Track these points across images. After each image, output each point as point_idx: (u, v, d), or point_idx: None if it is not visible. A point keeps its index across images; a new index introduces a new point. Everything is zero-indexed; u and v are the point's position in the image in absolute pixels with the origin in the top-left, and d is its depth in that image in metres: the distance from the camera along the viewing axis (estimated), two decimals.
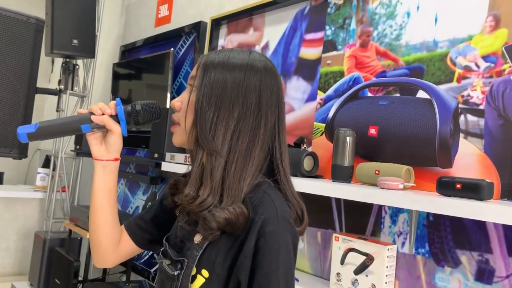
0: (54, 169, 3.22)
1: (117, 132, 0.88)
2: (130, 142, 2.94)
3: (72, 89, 3.16)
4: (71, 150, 3.13)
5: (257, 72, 0.81)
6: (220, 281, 0.75)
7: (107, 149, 0.90)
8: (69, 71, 3.14)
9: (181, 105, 0.85)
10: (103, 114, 0.87)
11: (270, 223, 0.73)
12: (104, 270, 2.96)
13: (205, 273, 0.77)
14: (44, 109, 4.40)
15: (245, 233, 0.74)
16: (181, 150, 2.15)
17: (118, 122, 0.88)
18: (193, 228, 0.81)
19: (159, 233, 0.98)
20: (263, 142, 0.80)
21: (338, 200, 1.63)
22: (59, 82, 3.19)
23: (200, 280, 0.77)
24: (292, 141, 1.75)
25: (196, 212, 0.77)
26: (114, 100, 0.90)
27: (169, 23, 2.87)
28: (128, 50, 3.34)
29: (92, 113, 0.88)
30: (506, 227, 1.19)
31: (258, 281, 0.71)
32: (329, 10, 1.79)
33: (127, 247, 0.99)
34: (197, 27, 2.49)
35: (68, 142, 3.18)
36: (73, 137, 3.15)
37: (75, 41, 2.95)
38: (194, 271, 0.78)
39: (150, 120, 0.90)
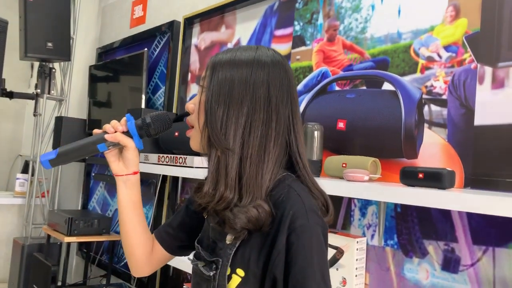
0: (33, 174, 3.18)
1: (131, 147, 0.91)
2: None
3: (49, 93, 3.13)
4: None
5: (264, 66, 0.80)
6: (257, 279, 0.75)
7: (125, 164, 0.92)
8: (45, 74, 3.10)
9: (194, 107, 0.85)
10: (116, 131, 0.90)
11: (300, 217, 0.73)
12: (85, 274, 2.94)
13: (240, 272, 0.77)
14: (25, 115, 4.35)
15: (276, 229, 0.74)
16: (156, 150, 2.13)
17: (131, 137, 0.90)
18: (223, 229, 0.80)
19: (188, 238, 1.00)
20: (277, 135, 0.80)
21: None
22: (36, 86, 3.16)
23: (236, 280, 0.77)
24: None
25: (219, 211, 0.77)
26: (125, 115, 0.92)
27: (144, 24, 2.86)
28: (104, 52, 3.31)
29: (106, 132, 0.90)
30: (470, 216, 1.20)
31: (294, 276, 0.71)
32: (297, 5, 1.78)
33: (160, 255, 1.01)
34: (171, 26, 2.48)
35: (46, 146, 3.14)
36: (51, 140, 3.12)
37: (49, 44, 2.92)
38: (229, 271, 0.78)
39: (162, 130, 0.92)
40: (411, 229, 1.32)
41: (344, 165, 1.39)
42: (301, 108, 1.69)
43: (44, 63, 3.07)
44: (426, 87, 1.34)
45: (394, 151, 1.38)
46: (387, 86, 1.43)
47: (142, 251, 0.98)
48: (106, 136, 0.90)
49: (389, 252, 1.37)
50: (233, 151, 0.77)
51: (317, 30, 1.69)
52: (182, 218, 1.02)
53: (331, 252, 1.41)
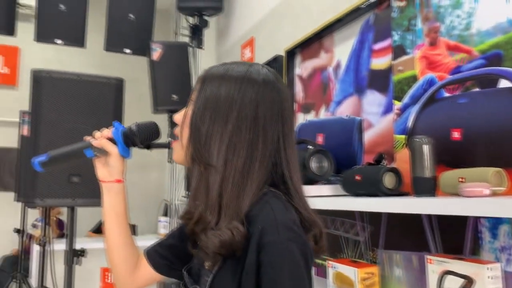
0: (172, 217, 3.46)
1: (114, 154, 0.90)
2: None
3: None
4: (183, 196, 3.34)
5: (254, 84, 0.77)
6: None
7: (109, 171, 0.92)
8: (174, 124, 3.40)
9: (180, 118, 0.84)
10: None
11: (269, 232, 0.67)
12: None
13: None
14: (166, 162, 4.80)
15: (245, 248, 0.69)
16: None
17: (117, 144, 0.90)
18: (199, 253, 0.78)
19: (177, 260, 0.96)
20: (263, 158, 0.75)
21: (429, 217, 1.45)
22: (168, 135, 3.48)
23: None
24: (372, 159, 1.63)
25: (196, 233, 0.74)
26: (113, 123, 0.92)
27: None
28: None
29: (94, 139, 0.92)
30: None
31: None
32: (393, 14, 1.67)
33: (146, 273, 0.97)
34: (275, 61, 2.52)
35: (180, 189, 3.40)
36: (183, 183, 3.37)
37: (174, 96, 3.22)
38: None
39: (147, 140, 0.90)
40: None
41: (461, 179, 1.21)
42: (410, 121, 1.55)
43: (172, 114, 3.37)
44: None
45: None
46: (504, 83, 1.23)
47: (123, 264, 0.93)
48: (92, 141, 0.90)
49: None
50: (215, 168, 0.73)
51: (417, 36, 1.55)
52: (174, 241, 0.97)
53: (458, 283, 1.22)
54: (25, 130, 2.55)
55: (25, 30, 3.37)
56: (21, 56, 4.75)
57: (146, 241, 3.38)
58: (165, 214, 3.57)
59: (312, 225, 0.75)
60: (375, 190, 1.47)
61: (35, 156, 0.95)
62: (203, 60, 3.72)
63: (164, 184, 4.86)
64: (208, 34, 3.69)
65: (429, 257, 1.33)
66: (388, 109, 1.68)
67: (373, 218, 1.69)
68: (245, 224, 0.70)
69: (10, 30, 3.06)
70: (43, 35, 3.07)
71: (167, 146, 3.51)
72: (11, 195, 3.56)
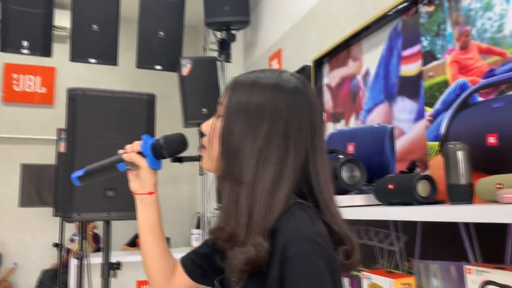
0: (204, 229, 3.48)
1: (144, 167, 0.91)
2: None
3: None
4: (214, 209, 3.36)
5: (285, 93, 0.75)
6: None
7: (141, 184, 0.93)
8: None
9: (208, 129, 0.82)
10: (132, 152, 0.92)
11: (292, 245, 0.65)
12: None
13: None
14: (198, 175, 4.86)
15: (269, 262, 0.67)
16: None
17: (146, 158, 0.91)
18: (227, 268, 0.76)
19: (212, 269, 0.94)
20: (292, 173, 0.73)
21: (467, 225, 1.41)
22: (198, 148, 3.52)
23: None
24: (404, 167, 1.60)
25: (225, 248, 0.74)
26: (142, 136, 0.93)
27: None
28: None
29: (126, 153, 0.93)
30: None
31: None
32: (421, 20, 1.65)
33: (182, 281, 0.98)
34: (303, 71, 2.53)
35: (212, 201, 3.43)
36: (215, 195, 3.39)
37: (204, 109, 3.26)
38: None
39: (175, 152, 0.91)
40: None
41: (499, 185, 1.17)
42: (443, 128, 1.51)
43: None
44: None
45: None
46: None
47: (159, 274, 0.94)
48: (123, 155, 0.91)
49: None
50: (245, 184, 0.71)
51: (447, 40, 1.52)
52: (208, 249, 0.95)
53: None
54: (62, 147, 2.64)
55: (61, 50, 3.51)
56: (57, 76, 4.94)
57: (180, 254, 3.42)
58: (198, 227, 3.60)
59: (343, 239, 0.73)
60: (409, 198, 1.44)
61: (72, 171, 0.99)
62: (231, 74, 3.76)
63: (196, 196, 4.91)
64: (236, 48, 3.73)
65: (468, 266, 1.29)
66: (419, 116, 1.65)
67: (408, 227, 1.65)
68: (269, 238, 0.68)
69: (47, 52, 3.19)
70: (78, 55, 3.18)
71: (198, 159, 3.55)
72: (49, 210, 3.68)
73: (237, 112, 0.75)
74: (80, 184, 0.97)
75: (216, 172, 0.80)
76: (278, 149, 0.73)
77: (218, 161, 0.77)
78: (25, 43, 3.16)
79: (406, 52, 1.74)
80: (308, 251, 0.64)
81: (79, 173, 0.96)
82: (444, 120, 1.51)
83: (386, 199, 1.55)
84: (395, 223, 1.72)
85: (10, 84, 4.78)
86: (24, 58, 3.62)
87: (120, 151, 0.94)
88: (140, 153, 0.91)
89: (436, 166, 1.55)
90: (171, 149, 0.90)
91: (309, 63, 2.46)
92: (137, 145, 0.92)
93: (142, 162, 0.91)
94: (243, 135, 0.74)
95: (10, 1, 3.12)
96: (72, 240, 4.00)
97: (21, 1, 3.13)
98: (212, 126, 0.80)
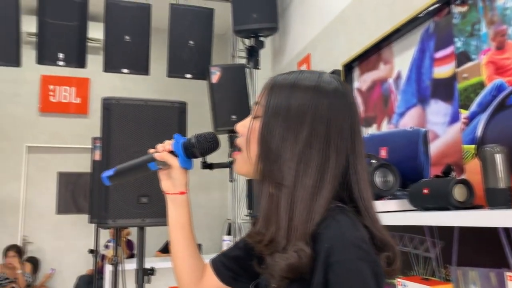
0: (235, 236, 3.49)
1: (175, 166, 0.89)
2: None
3: None
4: (245, 215, 3.37)
5: (326, 95, 0.73)
6: None
7: (173, 183, 0.91)
8: (234, 143, 3.47)
9: (243, 130, 0.79)
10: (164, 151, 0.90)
11: (336, 251, 0.63)
12: None
13: None
14: (228, 182, 4.89)
15: (311, 268, 0.66)
16: None
17: (177, 157, 0.90)
18: (265, 274, 0.74)
19: (242, 271, 0.93)
20: (333, 178, 0.71)
21: (506, 231, 1.36)
22: (229, 155, 3.55)
23: None
24: (439, 172, 1.56)
25: (264, 254, 0.72)
26: (173, 135, 0.91)
27: None
28: None
29: (157, 152, 0.92)
30: None
31: None
32: (454, 21, 1.61)
33: (212, 283, 0.95)
34: None
35: (242, 208, 3.44)
36: (245, 201, 3.40)
37: (233, 116, 3.28)
38: None
39: (207, 151, 0.89)
40: None
41: None
42: (479, 130, 1.47)
43: (232, 134, 3.44)
44: None
45: None
46: None
47: (188, 276, 0.93)
48: (155, 155, 0.90)
49: None
50: (287, 187, 0.69)
51: (482, 40, 1.48)
52: (239, 252, 0.92)
53: None
54: (97, 155, 2.71)
55: (94, 61, 3.61)
56: (91, 86, 5.09)
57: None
58: (229, 233, 3.62)
59: (385, 245, 0.71)
60: (444, 203, 1.40)
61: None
62: (260, 80, 3.78)
63: (226, 203, 4.94)
64: (264, 54, 3.75)
65: (509, 273, 1.24)
66: (454, 119, 1.61)
67: (444, 233, 1.60)
68: (310, 243, 0.66)
69: (81, 63, 3.29)
70: (111, 66, 3.27)
71: (228, 165, 3.55)
72: (84, 217, 3.78)
73: (277, 113, 0.73)
74: (110, 184, 0.97)
75: (252, 175, 0.78)
76: (319, 153, 0.71)
77: (256, 164, 0.75)
78: (61, 55, 3.27)
79: (439, 54, 1.70)
80: (353, 256, 0.63)
81: (110, 172, 0.95)
82: (481, 123, 1.47)
83: (421, 204, 1.52)
84: (431, 228, 1.68)
85: (47, 95, 4.95)
86: (59, 70, 3.75)
87: (151, 150, 0.93)
88: (171, 152, 0.90)
89: (472, 170, 1.51)
90: (203, 148, 0.89)
91: (339, 67, 2.44)
92: (168, 144, 0.91)
93: (174, 161, 0.89)
94: (284, 138, 0.71)
95: (46, 15, 3.24)
96: (106, 247, 4.09)
97: (57, 14, 3.25)
98: (249, 126, 0.77)
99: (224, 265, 0.96)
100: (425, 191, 1.47)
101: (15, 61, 3.21)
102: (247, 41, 3.71)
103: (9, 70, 4.04)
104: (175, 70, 3.41)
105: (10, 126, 4.82)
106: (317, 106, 0.72)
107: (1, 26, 3.15)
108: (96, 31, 4.04)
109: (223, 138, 3.75)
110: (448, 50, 1.65)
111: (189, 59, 3.41)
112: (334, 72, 2.49)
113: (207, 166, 3.66)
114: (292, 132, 0.71)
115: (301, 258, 0.65)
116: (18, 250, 4.32)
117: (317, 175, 0.70)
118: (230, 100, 3.27)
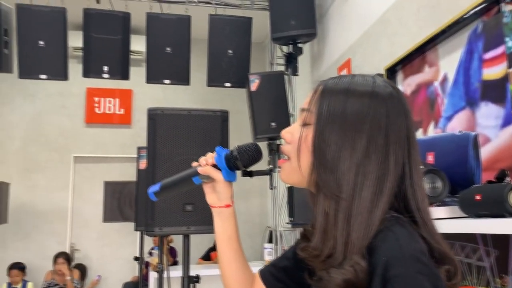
0: (276, 244, 3.47)
1: (219, 180, 0.88)
2: None
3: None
4: (286, 223, 3.35)
5: (382, 100, 0.69)
6: None
7: (218, 197, 0.91)
8: (273, 151, 3.46)
9: (292, 137, 0.76)
10: (207, 164, 0.90)
11: (395, 265, 0.60)
12: None
13: None
14: (268, 189, 4.89)
15: (368, 282, 0.63)
16: None
17: (221, 170, 0.89)
18: None
19: (293, 284, 0.90)
20: (390, 189, 0.67)
21: None
22: (268, 162, 3.55)
23: None
24: (492, 177, 1.50)
25: (318, 268, 0.69)
26: (215, 148, 0.90)
27: None
28: None
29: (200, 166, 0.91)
30: None
31: None
32: (505, 19, 1.55)
33: None
34: None
35: (283, 216, 3.42)
36: (286, 209, 3.38)
37: (273, 123, 3.28)
38: None
39: (250, 162, 0.88)
40: None
41: None
42: None
43: (271, 141, 3.44)
44: None
45: None
46: None
47: (238, 287, 0.92)
48: (198, 169, 0.89)
49: None
50: (345, 200, 0.66)
51: None
52: (288, 262, 0.90)
53: None
54: (142, 164, 2.77)
55: (136, 73, 3.72)
56: (134, 97, 5.23)
57: (253, 268, 3.43)
58: (270, 241, 3.60)
59: (444, 258, 0.67)
60: (499, 210, 1.34)
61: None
62: (299, 87, 3.77)
63: (266, 211, 4.93)
64: (303, 61, 3.74)
65: None
66: (507, 121, 1.54)
67: (499, 241, 1.53)
68: (366, 256, 0.64)
69: (125, 75, 3.40)
70: (153, 77, 3.36)
71: (268, 173, 3.54)
72: (129, 225, 3.87)
73: (332, 121, 0.69)
74: (157, 199, 0.98)
75: (302, 185, 0.76)
76: (377, 163, 0.67)
77: (310, 174, 0.72)
78: (105, 68, 3.39)
79: (489, 55, 1.64)
80: (414, 270, 0.60)
81: (155, 188, 0.97)
82: None
83: (473, 211, 1.46)
84: (484, 236, 1.61)
85: (92, 107, 5.13)
86: (104, 82, 3.88)
87: (194, 163, 0.93)
88: (214, 165, 0.90)
89: None
90: (246, 160, 0.88)
91: (381, 71, 2.40)
92: (211, 157, 0.90)
93: (218, 175, 0.89)
94: (340, 147, 0.68)
95: (91, 30, 3.37)
96: (151, 254, 4.17)
97: (101, 29, 3.37)
98: (300, 135, 0.74)
99: (273, 275, 0.94)
100: (478, 197, 1.41)
101: (62, 75, 3.36)
102: (285, 48, 3.71)
103: (56, 83, 4.23)
104: (214, 79, 3.46)
105: (58, 137, 5.02)
106: (375, 113, 0.68)
107: (50, 42, 3.30)
108: (138, 44, 4.16)
109: (263, 146, 3.76)
110: (499, 50, 1.59)
111: (228, 68, 3.45)
112: None
113: (247, 174, 3.67)
114: (349, 141, 0.68)
115: (357, 272, 0.62)
116: (67, 257, 4.48)
117: (375, 187, 0.67)
118: (269, 108, 3.28)
